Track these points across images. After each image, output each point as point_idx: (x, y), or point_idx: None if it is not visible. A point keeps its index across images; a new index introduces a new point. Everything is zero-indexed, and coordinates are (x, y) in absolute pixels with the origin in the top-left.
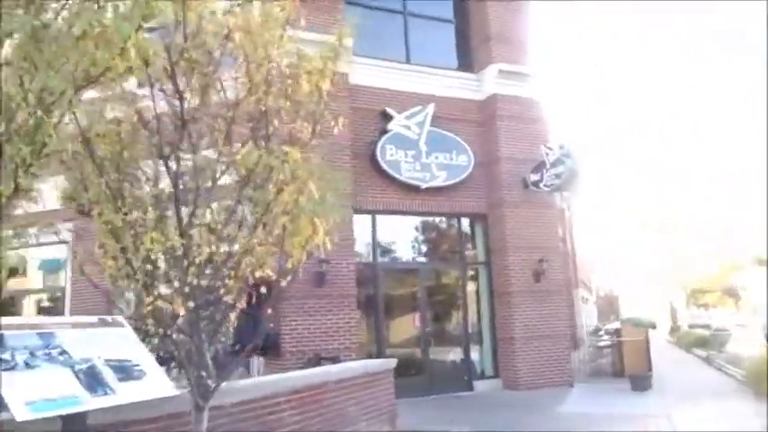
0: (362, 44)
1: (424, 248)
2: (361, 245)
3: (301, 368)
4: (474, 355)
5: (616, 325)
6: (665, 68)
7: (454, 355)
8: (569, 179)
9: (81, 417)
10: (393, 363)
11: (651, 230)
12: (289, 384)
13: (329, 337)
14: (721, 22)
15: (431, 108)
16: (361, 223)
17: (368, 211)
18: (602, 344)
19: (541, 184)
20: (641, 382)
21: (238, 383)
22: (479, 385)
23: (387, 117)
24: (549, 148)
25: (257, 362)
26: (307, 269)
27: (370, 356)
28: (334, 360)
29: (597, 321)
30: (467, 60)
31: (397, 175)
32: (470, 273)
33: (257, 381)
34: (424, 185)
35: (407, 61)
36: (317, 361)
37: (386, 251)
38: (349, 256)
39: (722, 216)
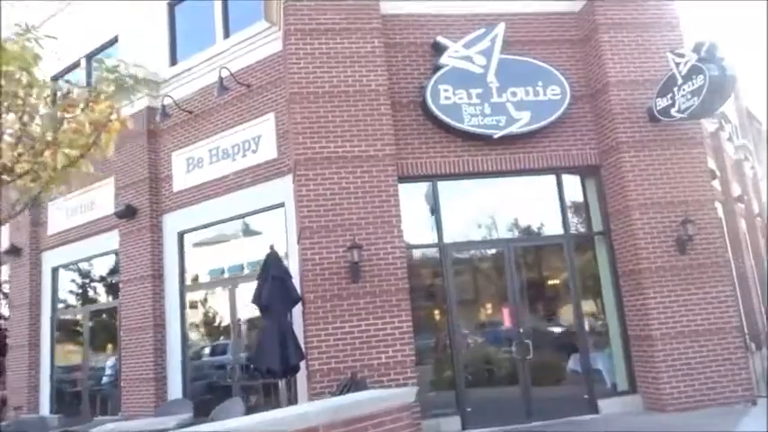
0: None
1: (510, 220)
2: (419, 222)
3: (334, 394)
4: (597, 363)
5: None
6: None
7: (567, 363)
8: (716, 95)
9: None
10: (411, 393)
11: None
12: None
13: (372, 348)
14: None
15: (500, 28)
16: (415, 193)
17: (424, 177)
18: None
19: (674, 110)
20: None
21: None
22: (608, 405)
23: (439, 49)
24: (680, 55)
25: (290, 384)
26: (336, 258)
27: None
28: (358, 384)
29: None
30: None
31: (457, 124)
32: (582, 247)
33: None
34: (498, 134)
35: None
36: (351, 383)
37: (455, 228)
38: (395, 238)
39: None
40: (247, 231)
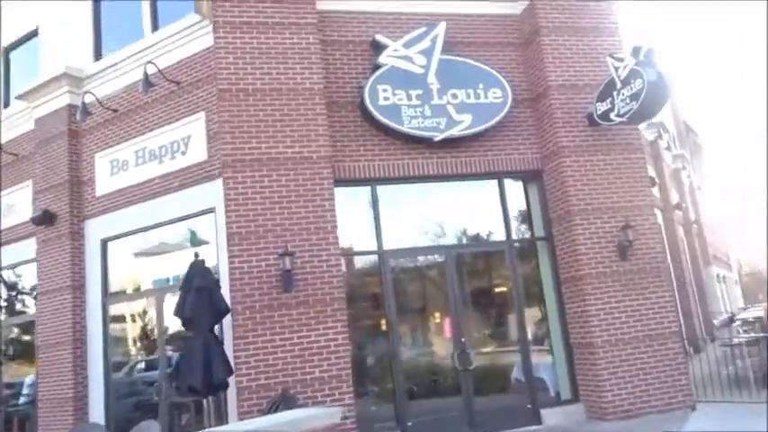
0: None
1: (452, 226)
2: (357, 227)
3: (264, 413)
4: (540, 372)
5: (759, 311)
6: None
7: (510, 372)
8: (654, 98)
9: None
10: (335, 413)
11: None
12: None
13: (306, 362)
14: None
15: (441, 28)
16: (353, 198)
17: (362, 181)
18: (737, 340)
19: (613, 114)
20: None
21: None
22: (551, 415)
23: (379, 48)
24: (619, 59)
25: (220, 403)
26: (267, 266)
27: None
28: (289, 401)
29: (743, 306)
30: None
31: (396, 126)
32: (525, 254)
33: None
34: (438, 136)
35: None
36: (282, 401)
37: (395, 234)
38: (331, 245)
39: None
40: (183, 239)
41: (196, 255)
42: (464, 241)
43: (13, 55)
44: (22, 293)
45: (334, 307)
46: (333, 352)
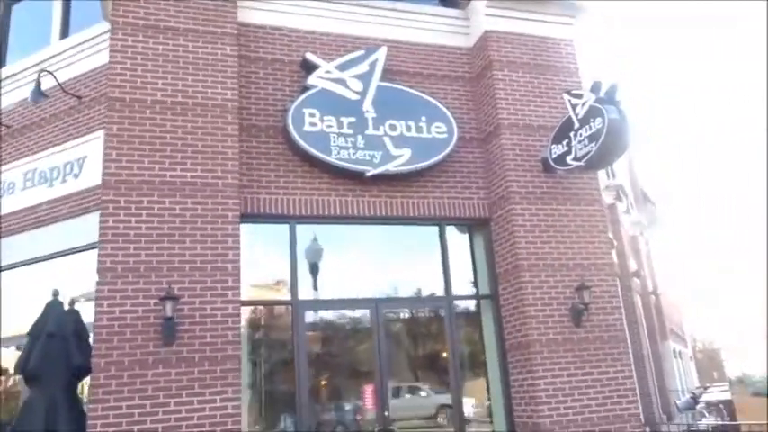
0: None
1: (381, 276)
2: (267, 272)
3: None
4: None
5: (722, 392)
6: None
7: None
8: (615, 139)
9: None
10: None
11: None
12: None
13: None
14: None
15: (381, 53)
16: (265, 236)
17: (278, 217)
18: (703, 426)
19: (570, 158)
20: None
21: None
22: None
23: (309, 68)
24: (577, 96)
25: None
26: (144, 312)
27: None
28: None
29: (698, 383)
30: None
31: (322, 156)
32: (466, 313)
33: None
34: (371, 171)
35: None
36: None
37: (314, 282)
38: (230, 290)
39: None
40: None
41: (55, 293)
42: (395, 295)
43: None
44: None
45: (227, 367)
46: (219, 423)
